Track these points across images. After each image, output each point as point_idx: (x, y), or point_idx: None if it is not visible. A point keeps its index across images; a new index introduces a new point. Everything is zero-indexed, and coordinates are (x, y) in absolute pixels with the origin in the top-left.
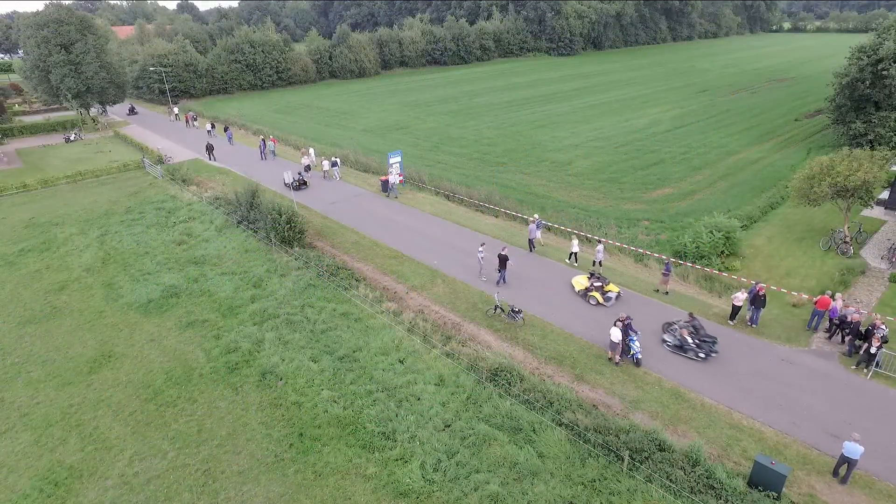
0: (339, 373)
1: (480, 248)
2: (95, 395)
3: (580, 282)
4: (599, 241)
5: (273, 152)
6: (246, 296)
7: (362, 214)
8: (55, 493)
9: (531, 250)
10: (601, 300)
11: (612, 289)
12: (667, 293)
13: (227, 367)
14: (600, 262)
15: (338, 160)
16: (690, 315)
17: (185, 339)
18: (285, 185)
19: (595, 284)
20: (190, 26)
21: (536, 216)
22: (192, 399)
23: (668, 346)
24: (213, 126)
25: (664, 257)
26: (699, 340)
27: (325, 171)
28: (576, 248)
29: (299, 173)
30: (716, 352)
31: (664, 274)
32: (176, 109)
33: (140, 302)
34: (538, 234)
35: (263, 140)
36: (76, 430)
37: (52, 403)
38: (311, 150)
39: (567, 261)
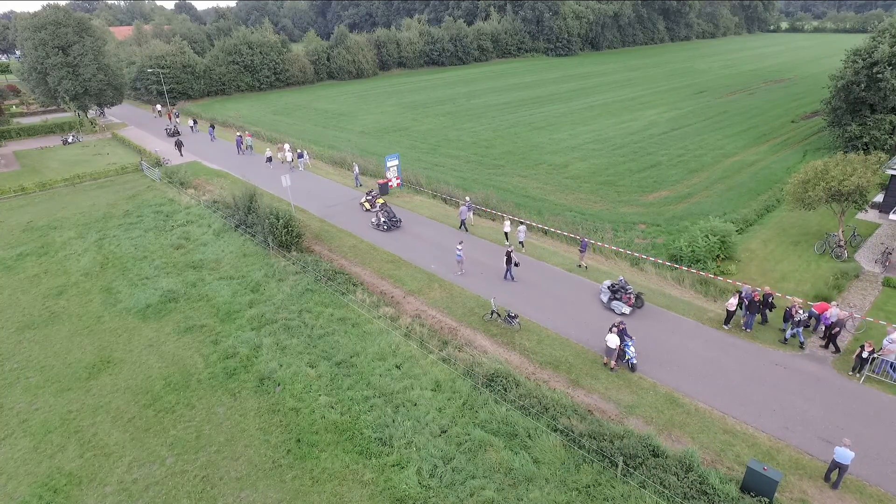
0: (336, 378)
1: (459, 246)
2: (94, 401)
3: (363, 199)
4: (521, 223)
5: (250, 147)
6: (244, 301)
7: (360, 218)
8: (54, 500)
9: (466, 230)
10: (369, 207)
11: (380, 200)
12: (580, 265)
13: (226, 372)
14: (521, 243)
15: (304, 153)
16: (384, 203)
17: (183, 344)
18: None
19: (368, 199)
20: (188, 27)
21: (468, 199)
22: (190, 405)
23: (373, 224)
24: (195, 122)
25: (580, 237)
26: (385, 219)
27: (290, 162)
28: (507, 229)
29: (174, 125)
30: (398, 227)
31: (580, 251)
32: (159, 107)
33: (138, 307)
34: (469, 214)
35: (240, 136)
36: (75, 436)
37: (51, 409)
38: (287, 146)
39: (506, 242)
